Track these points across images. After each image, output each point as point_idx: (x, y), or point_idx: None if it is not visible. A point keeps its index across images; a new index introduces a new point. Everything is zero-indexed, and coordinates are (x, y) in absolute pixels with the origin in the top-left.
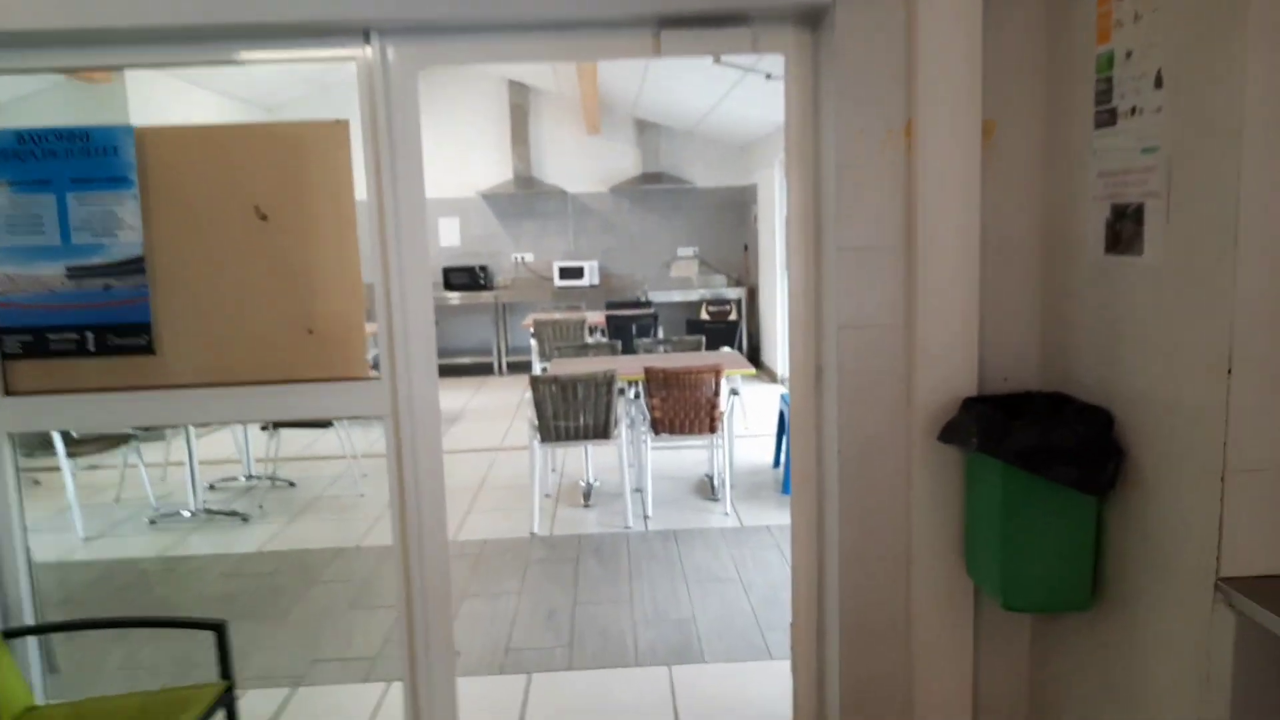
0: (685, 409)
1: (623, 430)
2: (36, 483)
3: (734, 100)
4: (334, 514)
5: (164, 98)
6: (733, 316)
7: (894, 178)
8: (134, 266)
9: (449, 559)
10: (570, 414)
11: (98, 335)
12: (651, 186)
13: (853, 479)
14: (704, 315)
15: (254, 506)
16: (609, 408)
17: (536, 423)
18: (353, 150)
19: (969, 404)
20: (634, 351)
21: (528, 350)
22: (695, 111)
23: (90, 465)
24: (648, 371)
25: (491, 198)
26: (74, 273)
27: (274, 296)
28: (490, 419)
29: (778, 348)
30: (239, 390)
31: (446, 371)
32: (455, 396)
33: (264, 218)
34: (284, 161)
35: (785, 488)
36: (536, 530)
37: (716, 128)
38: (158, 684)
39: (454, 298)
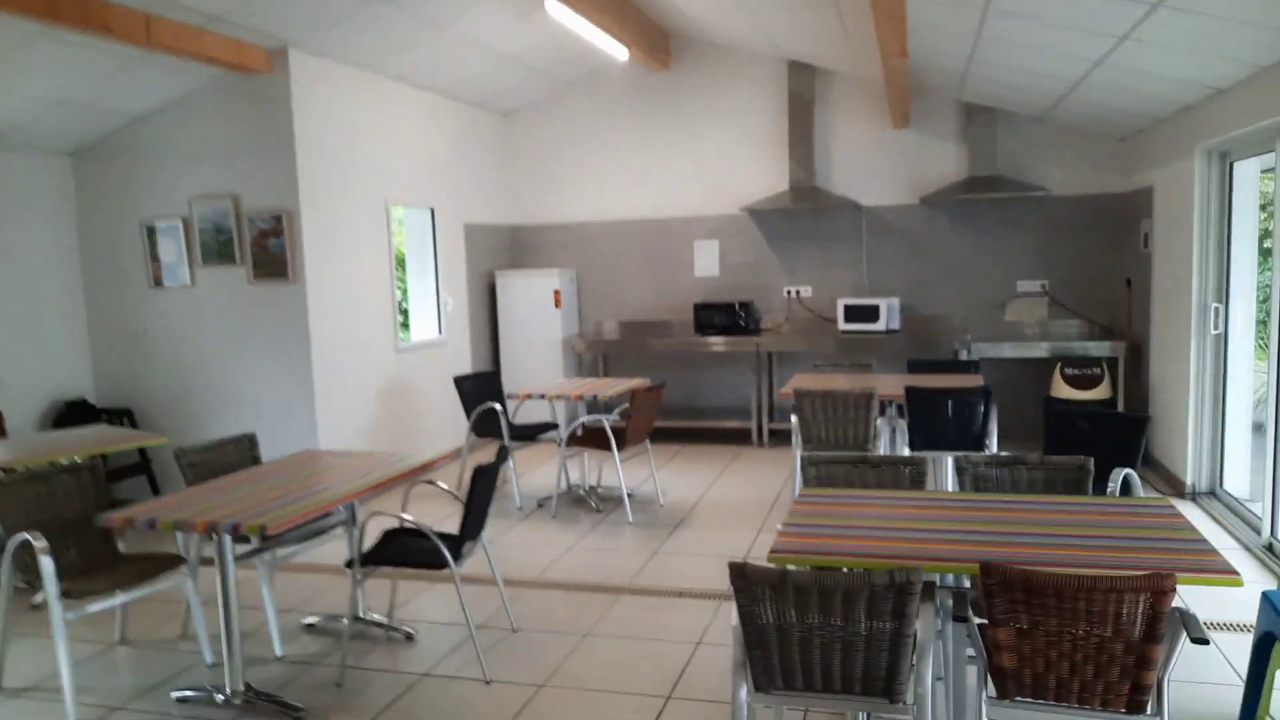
0: (1074, 653)
1: (929, 685)
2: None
3: (1123, 59)
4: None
5: (326, 89)
6: (1103, 389)
7: None
8: None
9: None
10: (823, 644)
11: None
12: (981, 196)
13: None
14: (1059, 382)
15: (330, 684)
16: (896, 645)
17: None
18: None
19: None
20: (942, 452)
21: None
22: (1054, 85)
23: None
24: (989, 572)
25: (760, 215)
26: None
27: None
28: (733, 519)
29: (1194, 449)
30: None
31: (692, 438)
32: (694, 478)
33: None
34: None
35: None
36: None
37: (1085, 109)
38: None
39: (708, 343)
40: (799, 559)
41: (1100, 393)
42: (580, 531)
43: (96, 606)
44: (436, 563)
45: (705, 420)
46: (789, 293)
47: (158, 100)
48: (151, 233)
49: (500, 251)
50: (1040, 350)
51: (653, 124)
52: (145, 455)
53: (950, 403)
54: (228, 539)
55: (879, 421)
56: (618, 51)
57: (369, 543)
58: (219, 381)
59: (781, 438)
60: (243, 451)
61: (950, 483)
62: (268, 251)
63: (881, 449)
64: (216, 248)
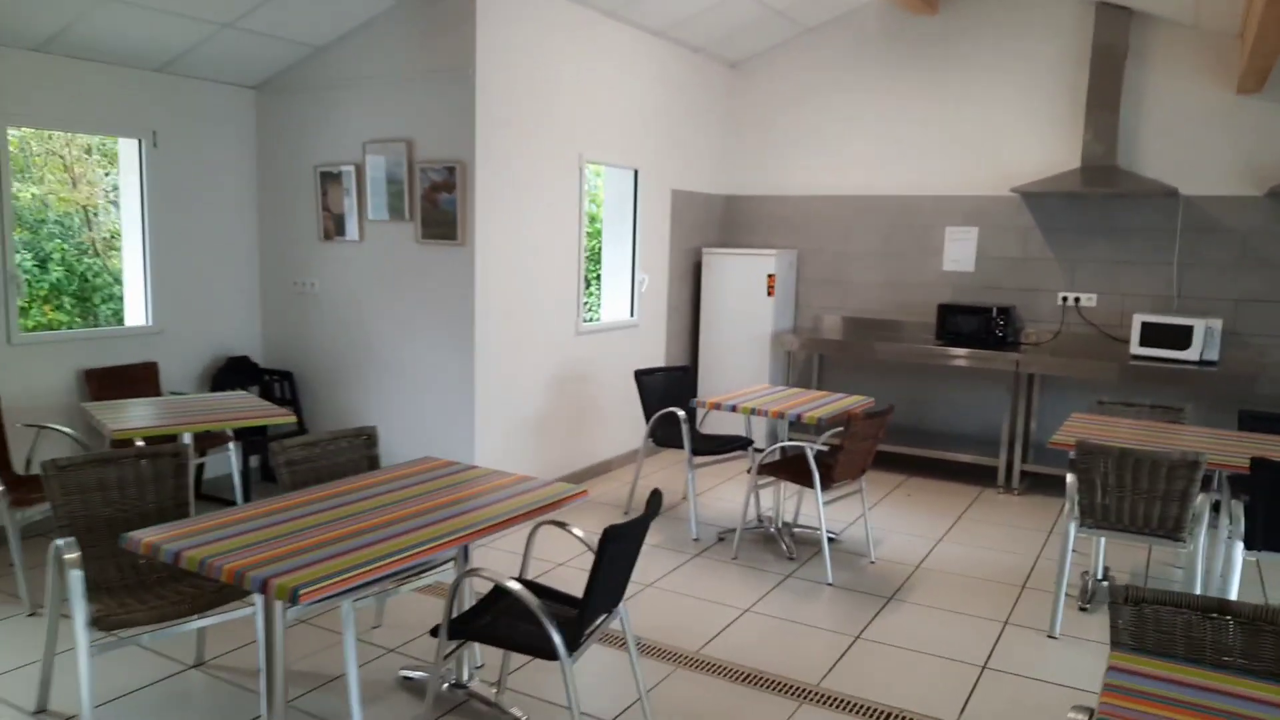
0: None
1: None
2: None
3: None
4: None
5: (519, 17)
6: None
7: None
8: None
9: None
10: None
11: None
12: None
13: None
14: None
15: None
16: None
17: None
18: None
19: None
20: None
21: (1058, 459)
22: None
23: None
24: None
25: (1037, 199)
26: None
27: None
28: (968, 597)
29: None
30: None
31: (919, 468)
32: (918, 525)
33: None
34: None
35: None
36: None
37: None
38: None
39: (951, 354)
40: None
41: None
42: (764, 585)
43: (132, 636)
44: (545, 650)
45: (939, 449)
46: (1065, 300)
47: (339, 27)
48: (325, 179)
49: (710, 225)
50: None
51: (908, 81)
52: (303, 422)
53: None
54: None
55: (1199, 499)
56: None
57: (477, 594)
58: (380, 351)
59: (1038, 482)
60: (357, 451)
61: None
62: (438, 208)
63: (1200, 542)
64: (388, 200)
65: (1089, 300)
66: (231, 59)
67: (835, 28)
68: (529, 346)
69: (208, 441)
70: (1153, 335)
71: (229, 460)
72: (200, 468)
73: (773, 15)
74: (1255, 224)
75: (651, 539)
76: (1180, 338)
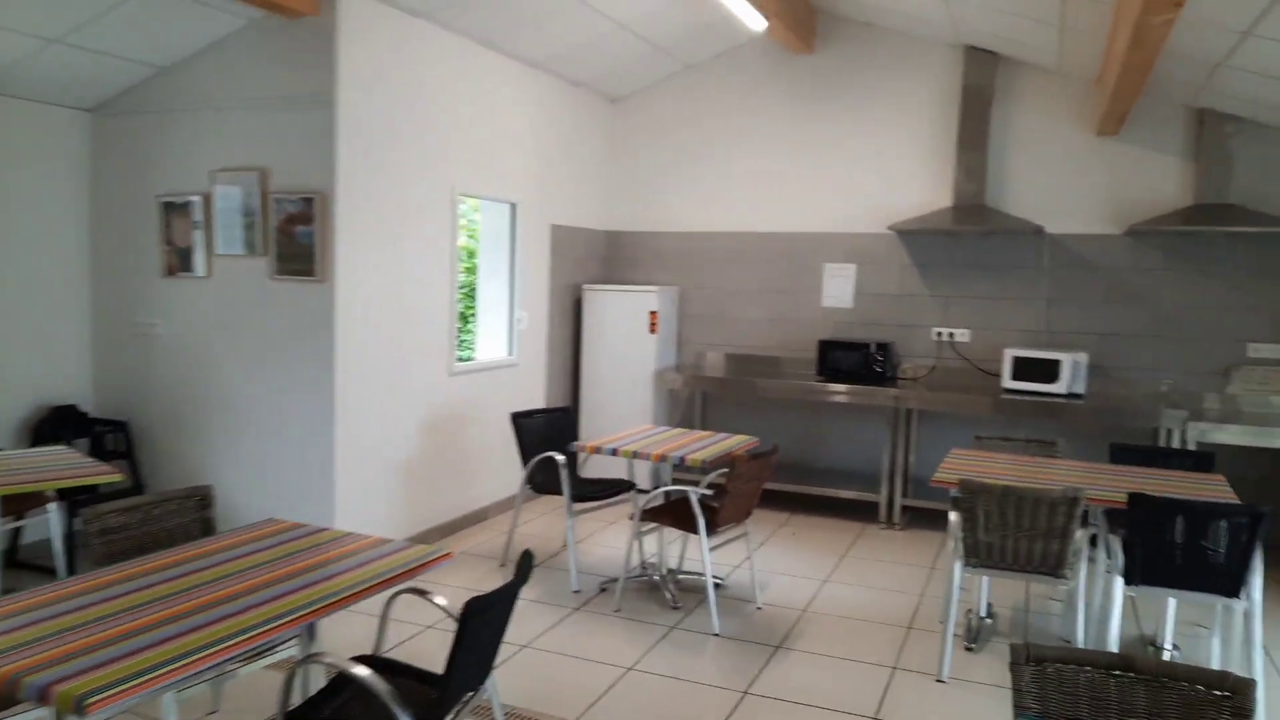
0: None
1: None
2: None
3: None
4: None
5: (385, 42)
6: None
7: None
8: None
9: None
10: None
11: None
12: (1209, 229)
13: None
14: None
15: None
16: None
17: None
18: None
19: None
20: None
21: (938, 494)
22: None
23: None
24: None
25: (912, 236)
26: None
27: None
28: (856, 641)
29: None
30: None
31: (803, 505)
32: (804, 565)
33: None
34: None
35: None
36: None
37: None
38: None
39: (831, 390)
40: None
41: None
42: (648, 639)
43: None
44: None
45: (821, 485)
46: (940, 335)
47: (185, 47)
48: (169, 210)
49: (592, 261)
50: None
51: (788, 119)
52: (139, 478)
53: (1191, 522)
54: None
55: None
56: (754, 21)
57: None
58: (230, 398)
59: (918, 517)
60: (189, 514)
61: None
62: (295, 241)
63: (1081, 578)
64: (241, 233)
65: (963, 335)
66: (61, 78)
67: (717, 65)
68: (398, 389)
69: (25, 503)
70: (1023, 369)
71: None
72: (16, 532)
73: (654, 52)
74: (1117, 261)
75: (528, 594)
76: (1049, 372)
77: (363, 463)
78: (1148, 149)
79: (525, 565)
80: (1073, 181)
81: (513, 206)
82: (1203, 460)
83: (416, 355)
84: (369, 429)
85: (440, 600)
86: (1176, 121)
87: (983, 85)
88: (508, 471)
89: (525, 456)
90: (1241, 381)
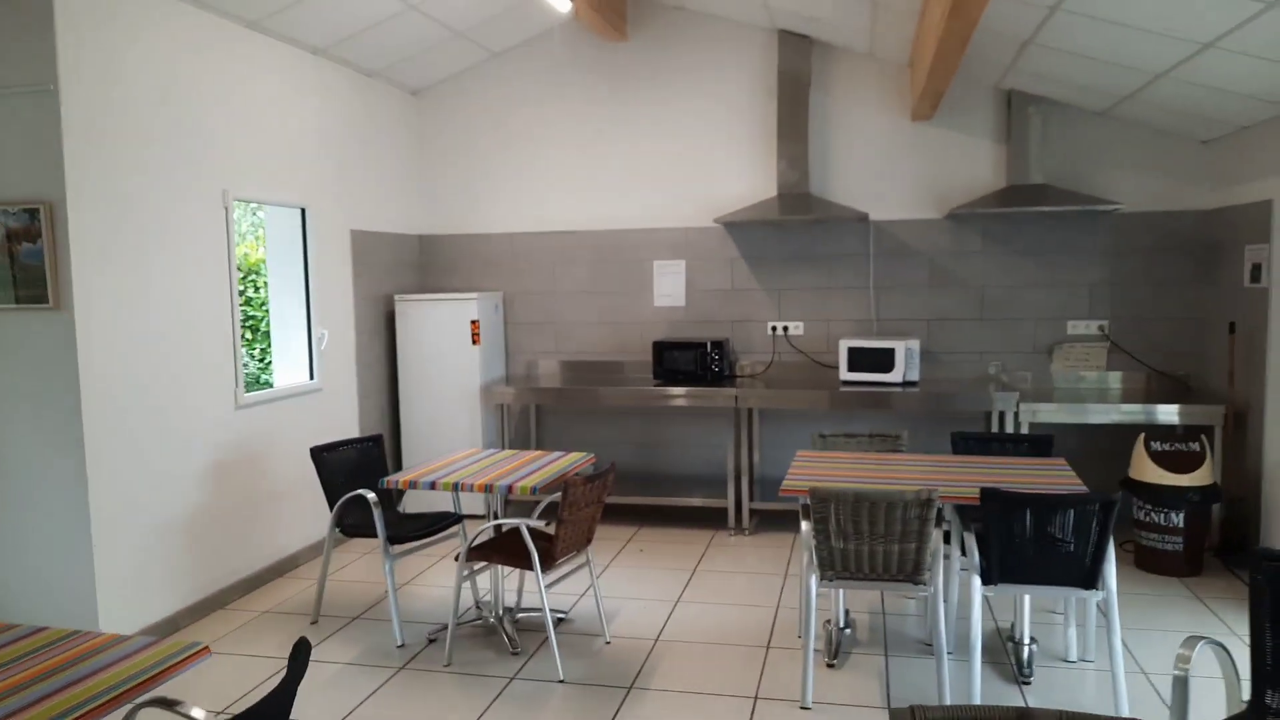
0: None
1: None
2: None
3: (1238, 43)
4: None
5: (122, 21)
6: (1204, 473)
7: None
8: None
9: None
10: None
11: None
12: (1023, 210)
13: None
14: (1143, 460)
15: None
16: None
17: None
18: None
19: None
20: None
21: (787, 498)
22: (1135, 72)
23: None
24: None
25: (739, 228)
26: None
27: None
28: (715, 671)
29: None
30: None
31: (651, 517)
32: (654, 585)
33: None
34: None
35: None
36: None
37: (1169, 101)
38: None
39: (669, 393)
40: None
41: (1200, 477)
42: (486, 694)
43: None
44: None
45: (668, 495)
46: (775, 329)
47: None
48: None
49: (403, 269)
50: (1113, 415)
51: (606, 109)
52: None
53: (1044, 516)
54: None
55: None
56: (558, 2)
57: None
58: None
59: (767, 519)
60: None
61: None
62: (19, 262)
63: (939, 581)
64: None
65: (797, 329)
66: None
67: (524, 53)
68: (170, 432)
69: None
70: (858, 360)
71: None
72: None
73: (453, 37)
74: (940, 245)
75: (344, 655)
76: (883, 361)
77: (129, 527)
78: (961, 133)
79: (300, 657)
80: (893, 167)
81: (302, 211)
82: (1040, 444)
83: (191, 389)
84: (134, 485)
85: (197, 714)
86: (987, 105)
87: (799, 72)
88: (317, 513)
89: (331, 497)
90: (1061, 359)
